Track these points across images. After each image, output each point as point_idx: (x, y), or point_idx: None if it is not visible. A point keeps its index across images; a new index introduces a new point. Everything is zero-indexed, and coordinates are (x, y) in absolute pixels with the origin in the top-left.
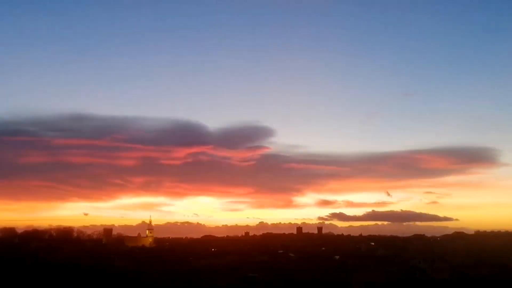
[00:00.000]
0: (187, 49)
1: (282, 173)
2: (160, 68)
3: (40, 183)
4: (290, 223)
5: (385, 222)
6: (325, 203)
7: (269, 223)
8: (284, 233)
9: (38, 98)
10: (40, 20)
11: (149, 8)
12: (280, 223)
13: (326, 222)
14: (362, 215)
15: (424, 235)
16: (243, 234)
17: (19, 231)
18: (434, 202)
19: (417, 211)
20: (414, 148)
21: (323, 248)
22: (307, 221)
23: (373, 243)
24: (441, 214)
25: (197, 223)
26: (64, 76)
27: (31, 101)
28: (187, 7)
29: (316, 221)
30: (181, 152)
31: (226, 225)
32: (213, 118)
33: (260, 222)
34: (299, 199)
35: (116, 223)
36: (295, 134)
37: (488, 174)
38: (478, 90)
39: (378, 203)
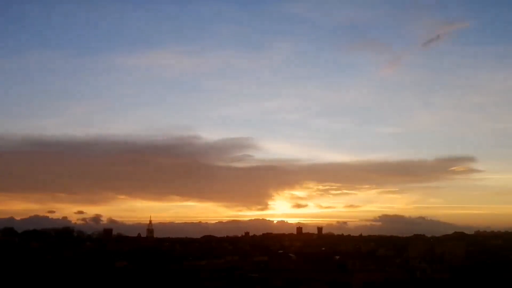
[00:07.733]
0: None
1: (259, 179)
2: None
3: None
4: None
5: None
6: (298, 206)
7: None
8: (284, 233)
9: None
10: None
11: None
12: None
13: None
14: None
15: (424, 235)
16: (243, 234)
17: (19, 231)
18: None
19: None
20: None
21: (323, 248)
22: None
23: (373, 243)
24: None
25: (199, 221)
26: None
27: None
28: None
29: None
30: (174, 160)
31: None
32: (204, 131)
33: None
34: (274, 203)
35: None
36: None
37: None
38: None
39: (348, 205)
